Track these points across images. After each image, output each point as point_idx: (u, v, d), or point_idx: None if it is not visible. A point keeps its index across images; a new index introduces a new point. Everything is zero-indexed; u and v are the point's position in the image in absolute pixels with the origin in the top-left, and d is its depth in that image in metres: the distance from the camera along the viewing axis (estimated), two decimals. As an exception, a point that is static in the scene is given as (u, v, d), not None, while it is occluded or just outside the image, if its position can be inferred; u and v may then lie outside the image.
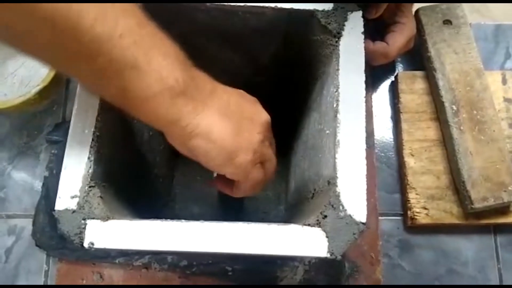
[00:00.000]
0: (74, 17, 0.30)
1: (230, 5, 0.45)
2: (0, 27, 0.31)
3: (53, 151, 0.64)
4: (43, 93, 0.60)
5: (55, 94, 0.67)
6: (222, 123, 0.38)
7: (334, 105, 0.41)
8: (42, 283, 0.61)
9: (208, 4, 0.45)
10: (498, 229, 0.62)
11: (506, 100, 0.64)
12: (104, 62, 0.33)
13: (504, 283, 0.60)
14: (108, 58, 0.32)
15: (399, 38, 0.59)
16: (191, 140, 0.37)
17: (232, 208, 0.63)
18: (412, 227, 0.61)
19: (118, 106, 0.37)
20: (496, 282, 0.60)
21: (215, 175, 0.47)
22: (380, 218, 0.62)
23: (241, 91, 0.42)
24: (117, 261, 0.60)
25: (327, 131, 0.43)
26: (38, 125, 0.67)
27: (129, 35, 0.33)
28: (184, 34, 0.38)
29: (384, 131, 0.66)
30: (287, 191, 0.63)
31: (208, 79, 0.39)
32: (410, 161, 0.62)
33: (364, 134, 0.39)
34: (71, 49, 0.32)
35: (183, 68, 0.36)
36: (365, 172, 0.39)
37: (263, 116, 0.42)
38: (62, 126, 0.65)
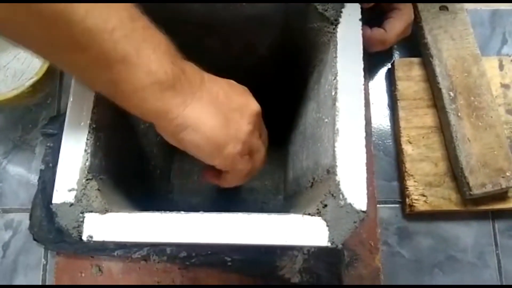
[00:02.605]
0: (66, 9, 0.30)
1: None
2: None
3: (48, 144, 0.64)
4: (36, 86, 0.59)
5: (49, 87, 0.67)
6: (211, 115, 0.38)
7: (333, 93, 0.41)
8: (40, 277, 0.61)
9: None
10: (497, 215, 0.62)
11: (503, 86, 0.64)
12: (95, 54, 0.33)
13: (502, 269, 0.61)
14: (99, 50, 0.33)
15: (397, 24, 0.59)
16: (180, 132, 0.38)
17: (230, 199, 0.63)
18: (411, 215, 0.61)
19: (108, 97, 0.37)
20: (495, 268, 0.61)
21: None
22: (378, 206, 0.62)
23: (231, 81, 0.42)
24: (115, 253, 0.59)
25: (326, 120, 0.42)
26: (32, 118, 0.67)
27: (121, 29, 0.33)
28: (182, 27, 0.38)
29: (381, 119, 0.66)
30: (285, 181, 0.63)
31: (197, 71, 0.39)
32: (407, 149, 0.62)
33: (363, 122, 0.39)
34: (62, 40, 0.32)
35: (173, 61, 0.36)
36: (365, 160, 0.38)
37: (253, 106, 0.42)
38: (57, 119, 0.64)
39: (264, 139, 0.45)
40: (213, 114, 0.38)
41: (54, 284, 0.60)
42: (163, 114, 0.36)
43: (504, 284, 0.60)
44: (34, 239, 0.61)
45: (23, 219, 0.63)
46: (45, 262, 0.62)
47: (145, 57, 0.34)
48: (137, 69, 0.34)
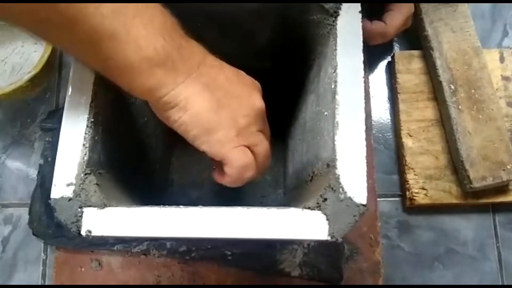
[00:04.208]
0: None
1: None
2: None
3: (47, 139, 0.64)
4: (35, 80, 0.59)
5: (48, 81, 0.66)
6: (202, 96, 0.36)
7: (332, 86, 0.40)
8: (40, 272, 0.61)
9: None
10: (497, 208, 0.62)
11: (504, 78, 0.64)
12: (83, 31, 0.32)
13: (503, 262, 0.60)
14: (87, 26, 0.32)
15: (397, 16, 0.59)
16: (168, 110, 0.37)
17: (229, 193, 0.63)
18: (411, 208, 0.61)
19: (102, 74, 0.37)
20: (495, 261, 0.60)
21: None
22: (378, 199, 0.62)
23: (241, 72, 0.41)
24: (115, 248, 0.59)
25: (326, 113, 0.42)
26: (31, 113, 0.67)
27: (108, 4, 0.32)
28: (181, 21, 0.37)
29: (381, 112, 0.66)
30: (285, 175, 0.63)
31: (198, 51, 0.38)
32: (408, 142, 0.62)
33: (363, 115, 0.39)
34: (49, 16, 0.31)
35: (168, 37, 0.35)
36: (365, 154, 0.38)
37: (256, 102, 0.40)
38: (56, 114, 0.64)
39: (266, 136, 0.42)
40: (205, 95, 0.36)
41: (54, 278, 0.60)
42: (153, 90, 0.35)
43: (504, 275, 0.60)
44: (34, 234, 0.61)
45: (22, 214, 0.63)
46: (44, 257, 0.62)
47: (135, 33, 0.33)
48: (126, 46, 0.33)
